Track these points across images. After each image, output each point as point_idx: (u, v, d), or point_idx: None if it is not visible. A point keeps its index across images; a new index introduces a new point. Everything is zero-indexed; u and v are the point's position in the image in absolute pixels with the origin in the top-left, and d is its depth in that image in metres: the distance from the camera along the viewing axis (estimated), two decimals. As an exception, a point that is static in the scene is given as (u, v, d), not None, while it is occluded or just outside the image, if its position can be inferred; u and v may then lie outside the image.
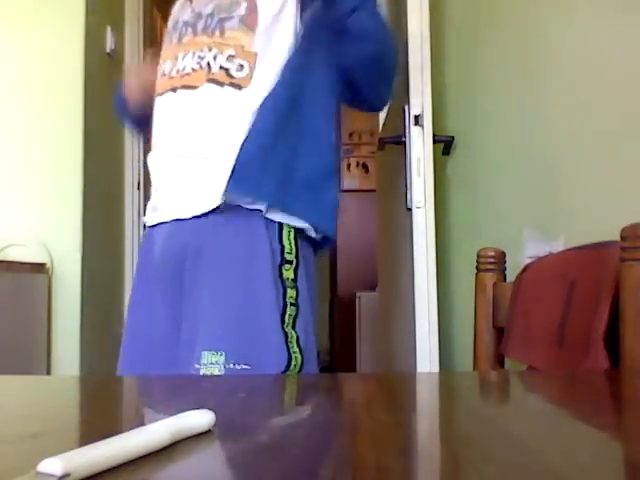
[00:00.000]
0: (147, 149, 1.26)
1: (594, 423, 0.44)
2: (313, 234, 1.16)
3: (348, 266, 4.80)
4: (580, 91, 1.12)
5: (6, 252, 2.07)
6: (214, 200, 1.09)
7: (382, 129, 2.28)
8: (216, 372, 0.99)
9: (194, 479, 0.32)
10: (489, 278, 1.13)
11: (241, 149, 1.08)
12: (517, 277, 1.08)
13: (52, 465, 0.27)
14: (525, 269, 1.07)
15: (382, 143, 1.93)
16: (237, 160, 1.07)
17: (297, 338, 1.06)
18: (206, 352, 1.01)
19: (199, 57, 1.15)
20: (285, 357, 1.03)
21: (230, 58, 1.13)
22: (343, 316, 4.48)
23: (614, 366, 0.77)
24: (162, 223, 1.16)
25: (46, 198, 2.17)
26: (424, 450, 0.38)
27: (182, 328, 1.09)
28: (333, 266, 4.94)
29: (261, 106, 1.11)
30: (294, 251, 1.11)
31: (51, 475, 0.27)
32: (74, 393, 0.64)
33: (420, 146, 1.63)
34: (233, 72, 1.13)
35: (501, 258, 1.15)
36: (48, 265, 2.11)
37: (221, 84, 1.13)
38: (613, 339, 0.78)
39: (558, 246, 1.14)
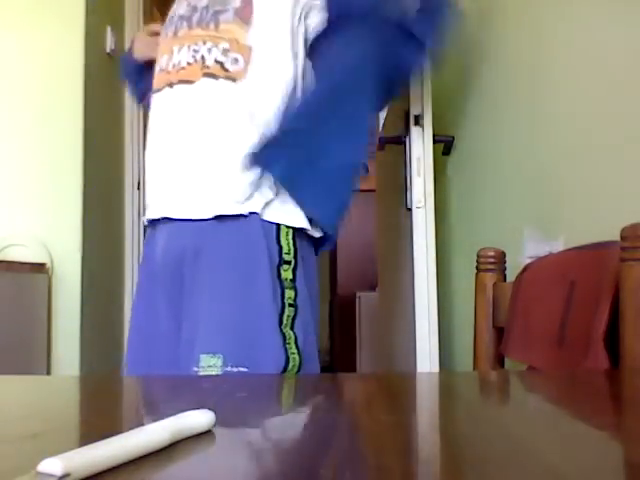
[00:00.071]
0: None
1: (594, 423, 0.44)
2: (312, 233, 1.16)
3: (348, 266, 4.80)
4: (580, 91, 1.12)
5: (6, 252, 2.07)
6: (213, 207, 1.09)
7: (382, 129, 2.28)
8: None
9: (194, 479, 0.32)
10: (489, 278, 1.13)
11: (276, 123, 1.10)
12: (517, 277, 1.08)
13: (52, 465, 0.27)
14: (525, 269, 1.07)
15: (382, 143, 1.93)
16: (264, 133, 1.10)
17: (295, 339, 1.06)
18: (204, 355, 1.01)
19: (194, 50, 1.15)
20: (283, 358, 1.03)
21: (225, 52, 1.13)
22: (343, 316, 4.48)
23: (614, 366, 0.77)
24: (163, 221, 1.16)
25: (46, 198, 2.17)
26: (424, 450, 0.38)
27: (183, 328, 1.10)
28: (333, 266, 4.94)
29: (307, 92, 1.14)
30: (292, 251, 1.11)
31: (51, 475, 0.27)
32: (74, 393, 0.64)
33: (420, 146, 1.63)
34: (228, 65, 1.13)
35: (501, 258, 1.15)
36: (48, 265, 2.11)
37: (216, 77, 1.13)
38: (613, 339, 0.78)
39: (558, 246, 1.14)
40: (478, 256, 1.16)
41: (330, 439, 0.39)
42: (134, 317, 1.23)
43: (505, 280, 1.14)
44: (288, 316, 1.07)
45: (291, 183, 1.11)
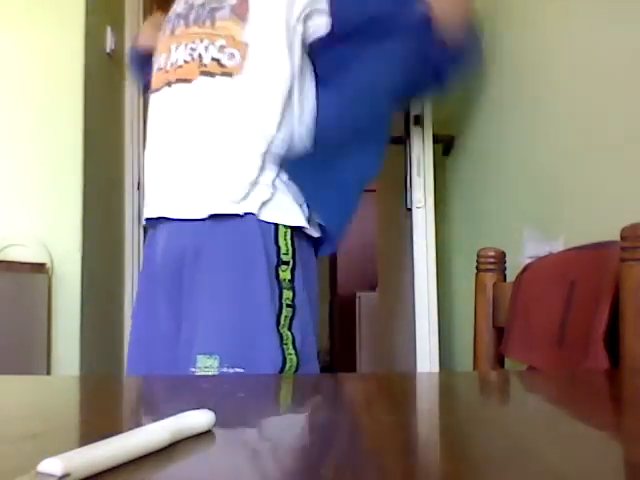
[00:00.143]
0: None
1: (594, 423, 0.44)
2: (311, 232, 1.16)
3: (348, 266, 4.80)
4: (580, 91, 1.12)
5: (6, 252, 2.07)
6: (209, 207, 1.09)
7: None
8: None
9: (194, 479, 0.32)
10: (489, 278, 1.13)
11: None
12: (517, 277, 1.08)
13: (52, 465, 0.27)
14: (525, 269, 1.07)
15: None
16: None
17: (293, 339, 1.06)
18: (200, 356, 1.01)
19: (191, 49, 1.15)
20: (279, 359, 1.03)
21: (221, 48, 1.13)
22: (343, 316, 4.48)
23: (614, 366, 0.77)
24: (163, 221, 1.16)
25: (46, 198, 2.17)
26: (424, 450, 0.38)
27: (182, 328, 1.10)
28: (333, 266, 4.94)
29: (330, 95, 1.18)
30: (290, 252, 1.11)
31: (51, 475, 0.27)
32: (74, 393, 0.64)
33: (420, 146, 1.63)
34: (224, 61, 1.13)
35: (501, 258, 1.15)
36: (48, 265, 2.11)
37: (213, 75, 1.13)
38: (613, 339, 0.78)
39: (558, 246, 1.14)
40: (478, 256, 1.16)
41: (330, 439, 0.39)
42: (135, 318, 1.23)
43: (505, 280, 1.14)
44: (286, 317, 1.07)
45: (300, 182, 1.15)
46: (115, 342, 2.51)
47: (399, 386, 0.63)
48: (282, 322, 1.06)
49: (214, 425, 0.38)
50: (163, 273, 1.14)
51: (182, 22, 1.20)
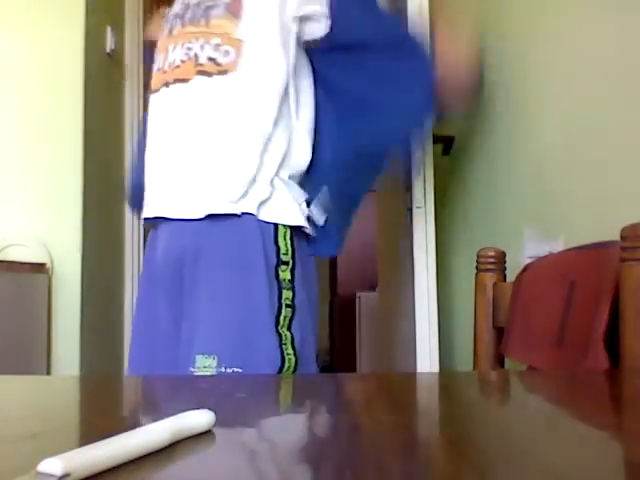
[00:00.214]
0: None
1: (594, 423, 0.44)
2: (310, 231, 1.17)
3: (348, 266, 4.79)
4: (580, 91, 1.12)
5: (6, 252, 2.07)
6: (206, 207, 1.09)
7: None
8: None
9: (194, 479, 0.32)
10: (489, 278, 1.13)
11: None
12: (517, 277, 1.08)
13: (52, 465, 0.27)
14: (525, 269, 1.07)
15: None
16: None
17: (292, 339, 1.06)
18: (199, 356, 1.01)
19: (187, 48, 1.16)
20: (278, 359, 1.03)
21: (217, 47, 1.14)
22: (343, 316, 4.48)
23: (614, 366, 0.77)
24: (164, 221, 1.16)
25: (46, 198, 2.17)
26: (424, 450, 0.38)
27: (182, 328, 1.10)
28: (333, 266, 4.94)
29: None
30: (290, 252, 1.11)
31: (51, 475, 0.27)
32: (74, 393, 0.64)
33: (420, 146, 1.63)
34: (220, 59, 1.13)
35: (501, 258, 1.15)
36: (48, 265, 2.11)
37: (210, 75, 1.13)
38: (613, 339, 0.78)
39: (558, 246, 1.14)
40: (478, 256, 1.16)
41: (330, 439, 0.39)
42: (136, 318, 1.23)
43: (505, 280, 1.14)
44: (285, 317, 1.07)
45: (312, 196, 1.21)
46: (115, 342, 2.51)
47: (399, 386, 0.63)
48: (281, 322, 1.06)
49: (214, 425, 0.38)
50: (163, 274, 1.14)
51: (179, 22, 1.20)
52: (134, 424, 0.35)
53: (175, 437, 0.35)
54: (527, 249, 1.28)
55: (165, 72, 1.18)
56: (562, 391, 0.60)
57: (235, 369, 1.00)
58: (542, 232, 1.24)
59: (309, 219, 1.17)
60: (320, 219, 1.19)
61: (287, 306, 1.07)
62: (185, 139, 1.14)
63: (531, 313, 1.01)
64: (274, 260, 1.08)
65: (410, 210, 1.64)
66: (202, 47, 1.14)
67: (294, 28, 1.17)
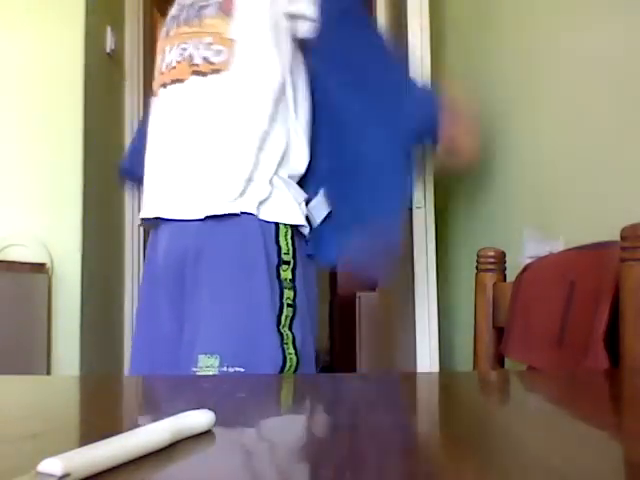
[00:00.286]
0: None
1: (594, 423, 0.44)
2: (306, 231, 1.17)
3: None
4: (580, 91, 1.12)
5: (6, 252, 2.07)
6: (204, 207, 1.09)
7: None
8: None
9: (194, 479, 0.32)
10: (489, 278, 1.13)
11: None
12: (517, 277, 1.08)
13: (52, 465, 0.27)
14: (525, 269, 1.07)
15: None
16: None
17: (294, 339, 1.06)
18: (202, 355, 1.02)
19: (182, 49, 1.16)
20: (280, 359, 1.03)
21: (208, 46, 1.14)
22: (343, 316, 4.48)
23: (614, 366, 0.77)
24: (164, 222, 1.16)
25: (46, 198, 2.17)
26: (424, 450, 0.38)
27: (184, 329, 1.10)
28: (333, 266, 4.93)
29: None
30: (291, 251, 1.11)
31: (51, 475, 0.27)
32: (74, 393, 0.64)
33: (420, 146, 1.63)
34: (212, 58, 1.13)
35: (501, 258, 1.15)
36: (48, 265, 2.11)
37: (204, 74, 1.13)
38: (613, 339, 0.78)
39: (558, 246, 1.13)
40: (478, 256, 1.16)
41: (330, 439, 0.39)
42: (138, 319, 1.23)
43: (505, 280, 1.14)
44: (287, 316, 1.07)
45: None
46: (115, 342, 2.51)
47: (399, 386, 0.63)
48: (283, 322, 1.06)
49: (214, 425, 0.38)
50: (165, 274, 1.14)
51: (175, 23, 1.21)
52: (134, 424, 0.35)
53: (175, 437, 0.35)
54: (527, 249, 1.28)
55: (163, 74, 1.19)
56: (562, 391, 0.60)
57: (237, 368, 1.00)
58: (542, 232, 1.24)
59: (307, 219, 1.17)
60: (317, 220, 1.19)
61: (288, 306, 1.08)
62: (182, 139, 1.14)
63: (531, 313, 1.01)
64: (275, 260, 1.08)
65: (410, 210, 1.64)
66: (196, 47, 1.14)
67: (286, 24, 1.16)
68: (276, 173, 1.13)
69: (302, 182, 1.20)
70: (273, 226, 1.10)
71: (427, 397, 0.60)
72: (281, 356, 1.03)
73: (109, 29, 2.49)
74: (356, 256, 1.21)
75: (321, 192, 1.20)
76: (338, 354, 4.64)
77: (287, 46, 1.17)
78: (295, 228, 1.14)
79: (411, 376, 0.96)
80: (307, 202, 1.19)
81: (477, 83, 1.65)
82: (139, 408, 0.56)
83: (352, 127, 1.20)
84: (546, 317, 0.96)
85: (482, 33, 1.61)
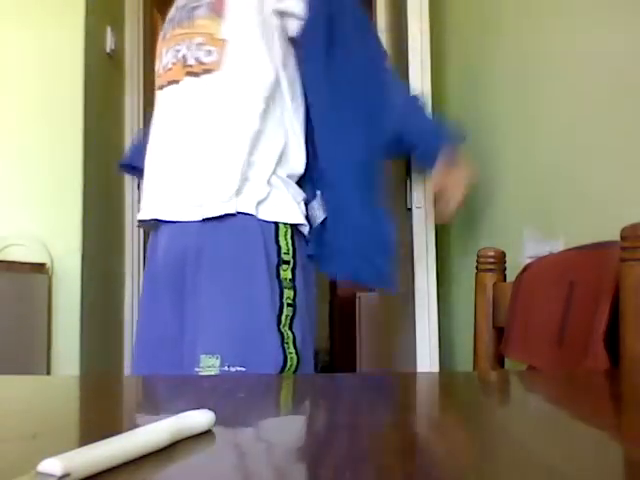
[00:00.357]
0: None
1: (594, 423, 0.44)
2: (305, 231, 1.17)
3: (348, 266, 4.77)
4: (580, 91, 1.12)
5: (6, 252, 2.07)
6: (206, 209, 1.09)
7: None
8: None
9: (194, 479, 0.32)
10: (489, 278, 1.13)
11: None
12: (517, 277, 1.08)
13: (52, 465, 0.27)
14: (525, 269, 1.07)
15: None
16: None
17: (294, 338, 1.06)
18: (203, 355, 1.02)
19: (176, 50, 1.17)
20: (280, 358, 1.03)
21: (199, 46, 1.14)
22: (343, 316, 4.48)
23: (614, 366, 0.77)
24: (164, 223, 1.16)
25: (46, 198, 2.17)
26: (424, 450, 0.38)
27: (185, 328, 1.10)
28: (333, 266, 4.92)
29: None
30: (291, 251, 1.11)
31: (51, 475, 0.27)
32: (74, 392, 0.64)
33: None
34: (203, 59, 1.14)
35: (501, 258, 1.15)
36: (48, 265, 2.11)
37: (198, 75, 1.14)
38: (613, 339, 0.78)
39: (558, 246, 1.13)
40: (478, 256, 1.16)
41: (330, 439, 0.39)
42: (139, 319, 1.24)
43: (505, 280, 1.14)
44: (287, 316, 1.07)
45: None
46: (115, 341, 2.51)
47: (399, 386, 0.63)
48: (283, 321, 1.06)
49: (214, 425, 0.38)
50: (165, 274, 1.14)
51: (171, 26, 1.22)
52: (134, 424, 0.35)
53: (175, 437, 0.35)
54: (527, 249, 1.28)
55: (160, 76, 1.20)
56: (562, 391, 0.60)
57: (238, 368, 1.00)
58: (542, 232, 1.24)
59: (307, 219, 1.17)
60: (317, 219, 1.19)
61: (288, 305, 1.08)
62: (177, 140, 1.14)
63: (531, 313, 1.01)
64: (275, 259, 1.08)
65: (410, 210, 1.64)
66: (188, 48, 1.15)
67: (276, 22, 1.16)
68: (274, 173, 1.13)
69: (301, 182, 1.20)
70: (273, 226, 1.10)
71: (427, 397, 0.60)
72: (282, 356, 1.03)
73: (109, 29, 2.49)
74: (355, 277, 1.22)
75: (319, 193, 1.20)
76: (338, 354, 4.64)
77: (279, 44, 1.17)
78: (295, 227, 1.14)
79: (411, 376, 0.96)
80: (307, 202, 1.19)
81: (477, 84, 1.66)
82: (139, 408, 0.56)
83: (329, 133, 1.19)
84: (546, 317, 0.96)
85: (482, 36, 1.61)
